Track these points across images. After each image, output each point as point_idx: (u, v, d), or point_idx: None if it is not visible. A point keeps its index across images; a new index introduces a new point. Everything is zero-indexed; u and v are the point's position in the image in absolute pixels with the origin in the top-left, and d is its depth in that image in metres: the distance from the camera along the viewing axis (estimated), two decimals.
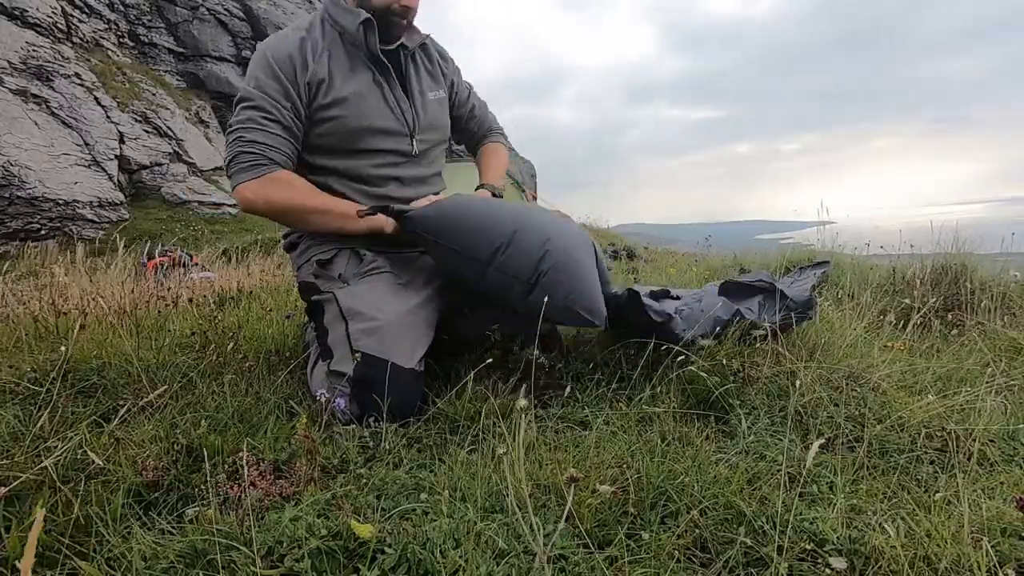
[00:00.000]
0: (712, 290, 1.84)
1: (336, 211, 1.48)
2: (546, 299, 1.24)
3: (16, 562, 0.77)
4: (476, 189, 1.75)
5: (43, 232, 9.32)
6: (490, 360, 1.31)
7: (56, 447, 1.02)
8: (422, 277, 1.51)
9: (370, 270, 1.48)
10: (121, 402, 1.29)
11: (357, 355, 1.28)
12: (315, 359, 1.43)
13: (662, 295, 1.96)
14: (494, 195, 1.70)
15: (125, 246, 3.32)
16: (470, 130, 1.91)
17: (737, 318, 1.54)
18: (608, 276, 1.49)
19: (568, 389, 1.38)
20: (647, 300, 1.42)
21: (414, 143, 1.60)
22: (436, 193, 1.68)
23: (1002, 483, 1.04)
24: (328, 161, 1.54)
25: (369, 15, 1.49)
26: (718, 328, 1.51)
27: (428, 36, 1.67)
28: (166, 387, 1.29)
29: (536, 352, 1.36)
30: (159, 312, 2.21)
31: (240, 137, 1.44)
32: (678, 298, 1.92)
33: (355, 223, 1.47)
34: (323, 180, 1.55)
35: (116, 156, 11.44)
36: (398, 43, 1.58)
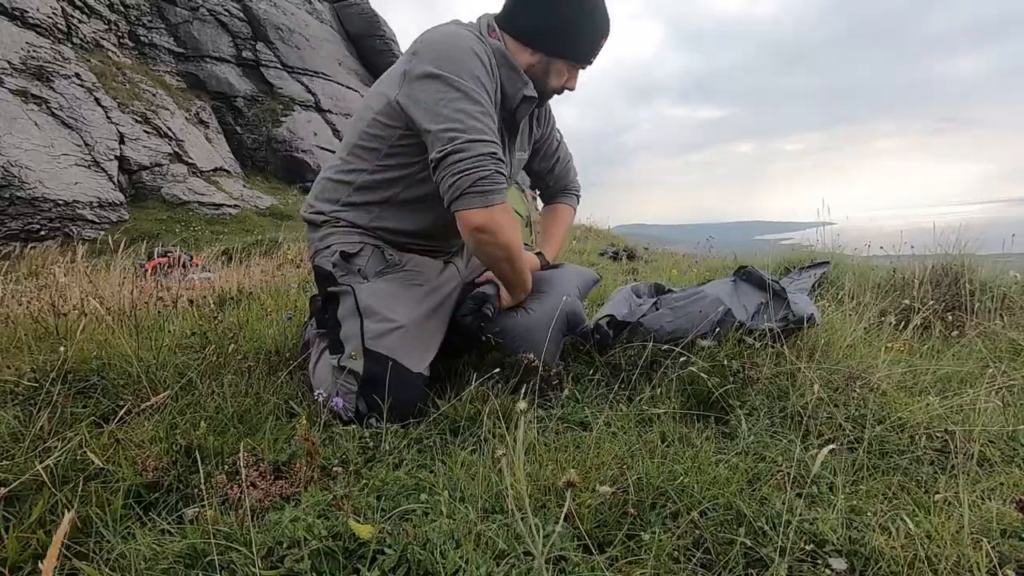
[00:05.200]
0: (727, 279, 1.86)
1: (522, 274, 1.43)
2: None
3: (18, 563, 0.77)
4: (537, 252, 1.74)
5: (43, 232, 9.33)
6: (497, 369, 1.32)
7: (56, 448, 1.01)
8: (440, 281, 1.50)
9: (392, 269, 1.45)
10: (121, 403, 1.29)
11: (355, 354, 1.28)
12: (320, 353, 1.43)
13: (655, 292, 1.98)
14: (542, 266, 1.71)
15: (125, 246, 3.33)
16: (547, 183, 1.87)
17: (728, 318, 1.55)
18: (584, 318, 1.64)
19: (566, 391, 1.38)
20: (607, 327, 1.65)
21: None
22: None
23: (1002, 484, 1.04)
24: (429, 189, 1.37)
25: (535, 92, 1.42)
26: (711, 323, 1.53)
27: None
28: (168, 391, 1.29)
29: (531, 356, 1.37)
30: (159, 312, 2.21)
31: (494, 153, 1.26)
32: (671, 291, 1.96)
33: (515, 293, 1.48)
34: (409, 202, 1.45)
35: (116, 156, 11.45)
36: None
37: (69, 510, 0.86)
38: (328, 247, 1.46)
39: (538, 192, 1.94)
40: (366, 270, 1.43)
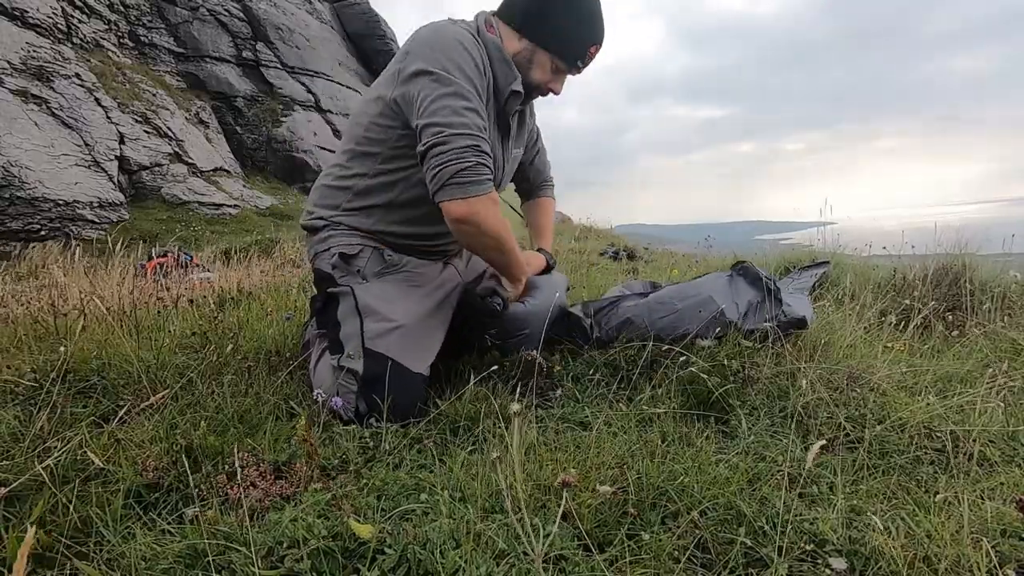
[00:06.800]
0: (723, 274, 1.83)
1: (515, 259, 1.45)
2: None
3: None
4: (536, 249, 1.80)
5: (43, 232, 9.32)
6: (495, 367, 1.33)
7: (56, 448, 1.01)
8: (440, 281, 1.51)
9: (391, 270, 1.47)
10: (121, 403, 1.29)
11: (355, 354, 1.28)
12: (320, 353, 1.43)
13: (651, 289, 2.00)
14: (548, 264, 1.76)
15: (125, 247, 3.33)
16: (527, 177, 1.88)
17: (720, 318, 1.56)
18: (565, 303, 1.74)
19: (559, 392, 1.39)
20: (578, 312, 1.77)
21: None
22: None
23: (1002, 484, 1.04)
24: (421, 192, 1.39)
25: (521, 88, 1.43)
26: (702, 322, 1.55)
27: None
28: (168, 390, 1.29)
29: (534, 353, 1.38)
30: (159, 312, 2.21)
31: (476, 146, 1.27)
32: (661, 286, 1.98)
33: (514, 279, 1.51)
34: (410, 202, 1.46)
35: (116, 156, 11.44)
36: None
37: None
38: (328, 249, 1.47)
39: (516, 188, 1.93)
40: (365, 271, 1.44)
